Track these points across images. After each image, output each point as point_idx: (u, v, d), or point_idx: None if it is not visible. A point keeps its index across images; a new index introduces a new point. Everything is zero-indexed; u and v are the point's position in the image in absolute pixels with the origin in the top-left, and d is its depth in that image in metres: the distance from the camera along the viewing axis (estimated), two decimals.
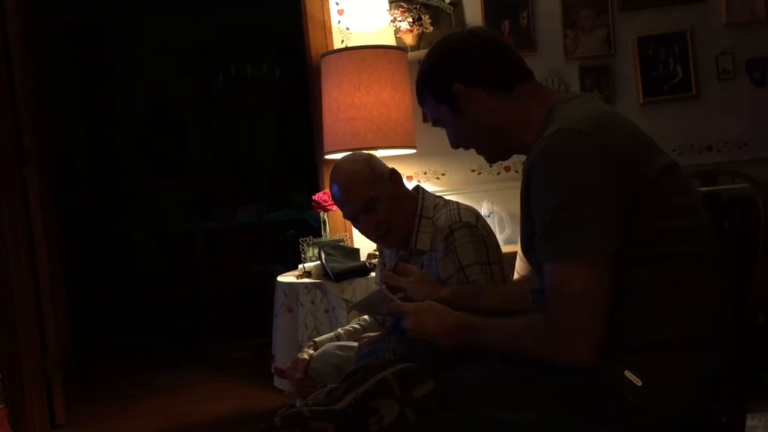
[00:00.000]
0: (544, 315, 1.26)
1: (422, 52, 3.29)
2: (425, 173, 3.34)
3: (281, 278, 2.87)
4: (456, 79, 1.43)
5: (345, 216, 2.04)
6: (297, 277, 2.78)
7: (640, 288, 1.25)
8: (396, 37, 3.29)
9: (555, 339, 1.23)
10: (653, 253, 1.24)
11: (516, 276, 2.57)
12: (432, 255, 1.93)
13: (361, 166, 1.98)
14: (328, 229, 3.13)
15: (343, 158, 2.07)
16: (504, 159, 1.54)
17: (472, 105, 1.44)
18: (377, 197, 1.93)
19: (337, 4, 3.32)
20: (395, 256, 2.08)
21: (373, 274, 2.59)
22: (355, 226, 2.05)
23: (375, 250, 2.84)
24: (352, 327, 2.22)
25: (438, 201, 2.02)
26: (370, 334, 2.06)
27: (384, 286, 2.17)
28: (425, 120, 3.32)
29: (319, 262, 2.74)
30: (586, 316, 1.21)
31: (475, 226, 1.89)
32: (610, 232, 1.21)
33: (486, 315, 1.44)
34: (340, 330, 2.22)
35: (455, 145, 1.55)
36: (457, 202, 1.99)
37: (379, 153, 2.75)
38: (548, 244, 1.26)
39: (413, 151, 3.04)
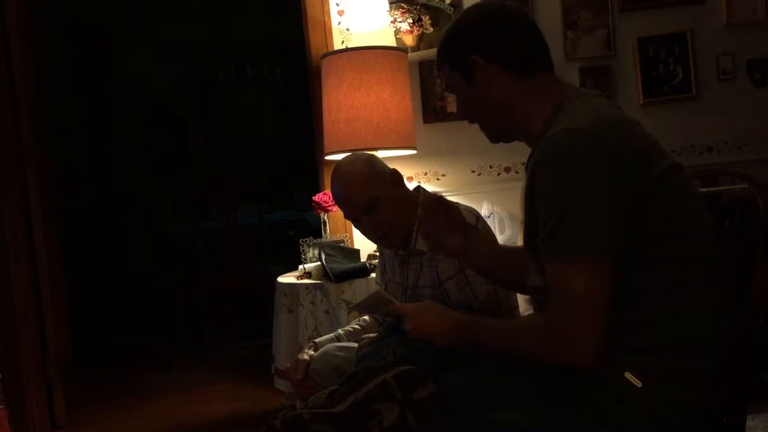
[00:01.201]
0: (545, 316, 1.26)
1: (422, 53, 3.30)
2: (425, 174, 3.34)
3: (281, 279, 2.87)
4: (475, 51, 1.42)
5: (346, 216, 2.04)
6: (297, 278, 2.78)
7: (640, 289, 1.25)
8: (396, 38, 3.30)
9: (556, 340, 1.23)
10: (654, 255, 1.24)
11: None
12: (432, 256, 1.93)
13: (362, 166, 1.98)
14: (328, 230, 3.13)
15: (344, 158, 2.07)
16: (506, 141, 1.53)
17: (486, 80, 1.43)
18: (378, 198, 1.93)
19: (337, 5, 3.32)
20: (394, 256, 2.08)
21: (373, 275, 2.59)
22: (355, 227, 2.05)
23: (375, 251, 2.84)
24: (352, 328, 2.22)
25: None
26: (371, 335, 2.07)
27: (384, 287, 2.18)
28: (426, 121, 3.32)
29: (319, 262, 2.74)
30: (587, 317, 1.21)
31: (475, 227, 1.89)
32: (613, 234, 1.21)
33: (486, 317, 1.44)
34: (340, 331, 2.22)
35: (461, 117, 1.55)
36: (457, 203, 1.99)
37: (379, 154, 2.75)
38: (550, 244, 1.26)
39: (413, 151, 3.04)
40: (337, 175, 2.00)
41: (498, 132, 1.51)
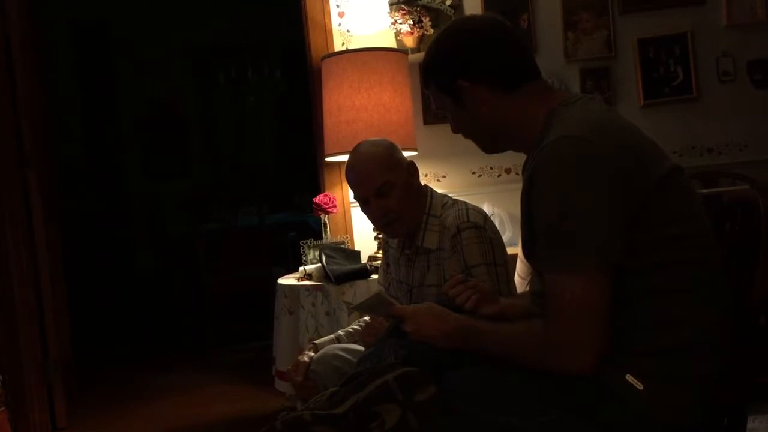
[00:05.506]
0: (545, 324, 1.26)
1: (423, 55, 3.29)
2: (426, 175, 3.33)
3: (282, 280, 2.87)
4: (460, 75, 1.42)
5: (356, 197, 2.02)
6: (298, 280, 2.78)
7: (640, 294, 1.25)
8: (396, 40, 3.30)
9: (555, 349, 1.23)
10: (654, 260, 1.24)
11: (516, 278, 2.57)
12: (439, 254, 1.93)
13: (383, 150, 1.99)
14: (329, 232, 3.13)
15: (366, 140, 2.08)
16: (500, 151, 1.54)
17: (475, 101, 1.43)
18: (392, 183, 1.93)
19: (337, 6, 3.32)
20: (400, 254, 2.08)
21: (374, 276, 2.59)
22: (363, 210, 2.03)
23: (376, 252, 2.84)
24: (352, 328, 2.22)
25: (446, 200, 2.02)
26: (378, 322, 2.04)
27: (383, 289, 2.18)
28: (426, 122, 3.33)
29: (319, 264, 2.74)
30: (586, 326, 1.21)
31: (482, 227, 1.89)
32: (611, 242, 1.21)
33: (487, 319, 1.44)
34: (340, 332, 2.22)
35: (456, 131, 1.55)
36: (465, 202, 1.99)
37: None
38: (549, 253, 1.26)
39: (414, 153, 3.04)
40: (355, 155, 2.00)
41: (493, 146, 1.52)
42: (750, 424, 1.47)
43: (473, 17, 1.50)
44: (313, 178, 3.55)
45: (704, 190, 2.59)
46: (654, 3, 3.25)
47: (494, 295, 1.65)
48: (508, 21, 1.50)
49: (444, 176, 3.35)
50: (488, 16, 1.52)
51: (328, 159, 3.05)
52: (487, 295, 1.59)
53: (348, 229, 3.26)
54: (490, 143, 1.52)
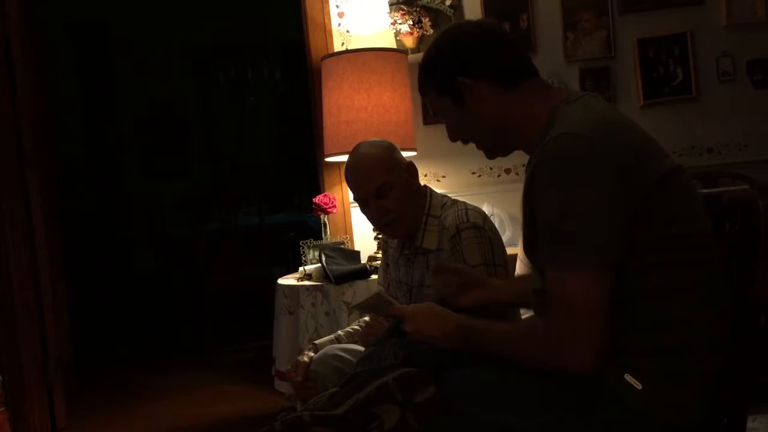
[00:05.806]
0: (545, 322, 1.26)
1: (422, 55, 3.29)
2: (425, 175, 3.33)
3: (282, 281, 2.87)
4: (461, 72, 1.42)
5: (355, 198, 2.03)
6: (297, 280, 2.78)
7: (640, 294, 1.24)
8: (396, 40, 3.30)
9: (556, 347, 1.23)
10: (654, 260, 1.24)
11: None
12: (438, 255, 1.93)
13: (382, 151, 2.00)
14: (328, 232, 3.13)
15: (365, 141, 2.08)
16: (503, 155, 1.52)
17: (476, 98, 1.42)
18: (391, 184, 1.94)
19: (337, 7, 3.32)
20: (399, 254, 2.08)
21: (374, 276, 2.59)
22: (362, 211, 2.04)
23: (376, 252, 2.85)
24: (352, 329, 2.22)
25: (446, 201, 2.02)
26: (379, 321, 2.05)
27: (383, 289, 2.18)
28: (425, 122, 3.33)
29: (319, 264, 2.74)
30: (586, 324, 1.21)
31: (482, 227, 1.89)
32: (612, 240, 1.21)
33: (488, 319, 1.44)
34: (340, 332, 2.22)
35: (453, 139, 1.55)
36: (464, 203, 1.99)
37: None
38: (550, 250, 1.25)
39: (413, 153, 3.04)
40: (354, 156, 2.01)
41: (495, 146, 1.51)
42: (750, 424, 1.47)
43: (469, 22, 1.52)
44: (313, 178, 3.55)
45: (704, 190, 2.59)
46: (654, 3, 3.25)
47: (478, 279, 1.67)
48: (508, 21, 1.50)
49: (444, 176, 3.35)
50: (485, 20, 1.53)
51: (327, 159, 3.05)
52: (471, 280, 1.62)
53: (348, 230, 3.26)
54: (491, 144, 1.51)
